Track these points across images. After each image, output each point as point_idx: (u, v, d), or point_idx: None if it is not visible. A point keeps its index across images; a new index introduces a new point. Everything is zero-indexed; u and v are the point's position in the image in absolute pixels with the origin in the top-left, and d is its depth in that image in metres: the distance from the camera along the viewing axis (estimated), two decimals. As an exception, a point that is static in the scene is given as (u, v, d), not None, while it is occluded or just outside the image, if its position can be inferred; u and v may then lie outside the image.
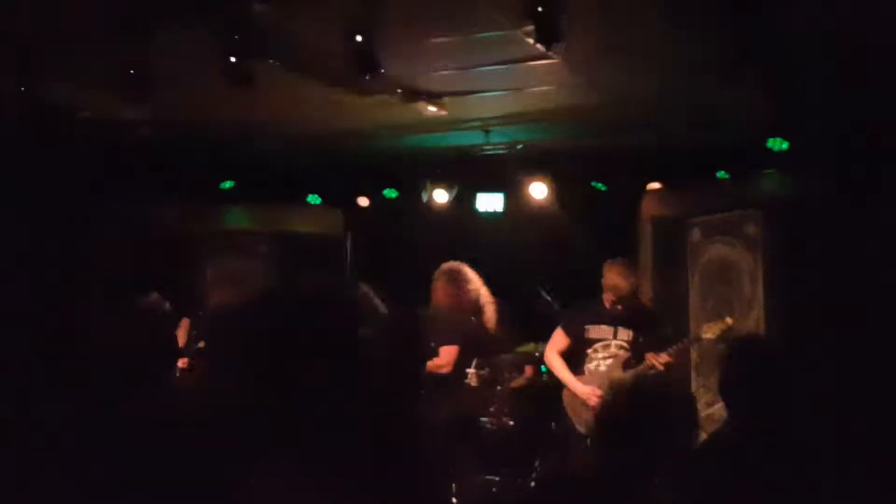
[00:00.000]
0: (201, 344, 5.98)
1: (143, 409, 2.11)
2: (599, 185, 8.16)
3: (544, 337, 6.39)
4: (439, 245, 7.38)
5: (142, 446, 1.89)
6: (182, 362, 6.12)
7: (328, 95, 6.19)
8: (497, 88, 6.24)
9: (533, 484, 6.37)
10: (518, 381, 6.88)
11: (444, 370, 5.87)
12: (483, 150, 7.96)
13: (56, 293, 6.87)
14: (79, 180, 7.49)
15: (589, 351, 5.99)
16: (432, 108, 6.43)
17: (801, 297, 6.40)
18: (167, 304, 5.26)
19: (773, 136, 6.79)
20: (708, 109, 6.34)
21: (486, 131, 7.48)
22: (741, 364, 3.03)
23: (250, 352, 1.67)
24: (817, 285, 6.24)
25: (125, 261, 8.07)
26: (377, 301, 5.32)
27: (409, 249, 8.10)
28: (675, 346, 5.88)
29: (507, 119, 7.10)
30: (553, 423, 6.46)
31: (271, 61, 5.34)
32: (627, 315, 5.95)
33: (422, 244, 8.00)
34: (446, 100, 6.40)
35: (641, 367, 5.76)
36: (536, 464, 6.44)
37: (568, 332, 6.10)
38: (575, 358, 6.07)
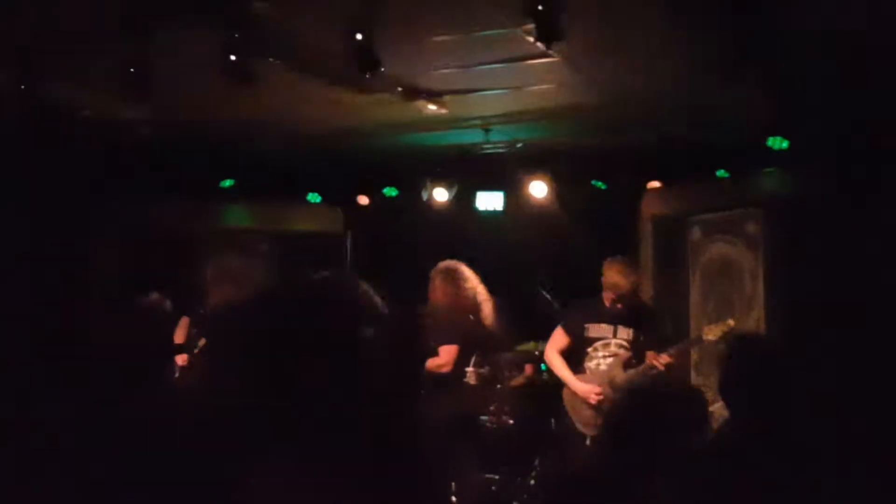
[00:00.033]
0: (202, 342, 5.98)
1: (143, 408, 2.11)
2: (600, 184, 8.16)
3: (544, 336, 6.38)
4: (439, 244, 7.38)
5: (141, 445, 1.89)
6: (182, 360, 6.12)
7: (328, 94, 6.19)
8: (497, 87, 6.24)
9: (533, 482, 6.38)
10: (518, 380, 6.88)
11: (445, 370, 5.87)
12: (483, 148, 7.96)
13: (56, 293, 6.87)
14: (79, 180, 7.49)
15: (589, 350, 5.99)
16: (432, 107, 6.43)
17: (801, 296, 6.40)
18: (168, 304, 5.26)
19: (774, 134, 6.78)
20: (708, 108, 6.34)
21: (487, 130, 7.47)
22: (741, 364, 3.03)
23: (250, 351, 1.67)
24: (818, 284, 6.24)
25: (125, 260, 8.07)
26: (377, 299, 5.30)
27: (409, 248, 8.09)
28: (676, 347, 5.87)
29: (508, 118, 7.10)
30: (553, 422, 6.46)
31: (271, 60, 5.34)
32: (627, 314, 5.95)
33: (422, 243, 7.99)
34: (446, 98, 6.40)
35: (642, 367, 5.76)
36: (536, 462, 6.44)
37: (568, 330, 6.10)
38: (575, 357, 6.06)
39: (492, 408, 6.54)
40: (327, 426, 1.57)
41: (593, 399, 5.82)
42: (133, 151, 7.55)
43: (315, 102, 6.50)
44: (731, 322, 5.86)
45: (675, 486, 2.43)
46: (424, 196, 8.24)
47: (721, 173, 7.39)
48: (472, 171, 8.26)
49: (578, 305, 6.24)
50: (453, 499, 5.72)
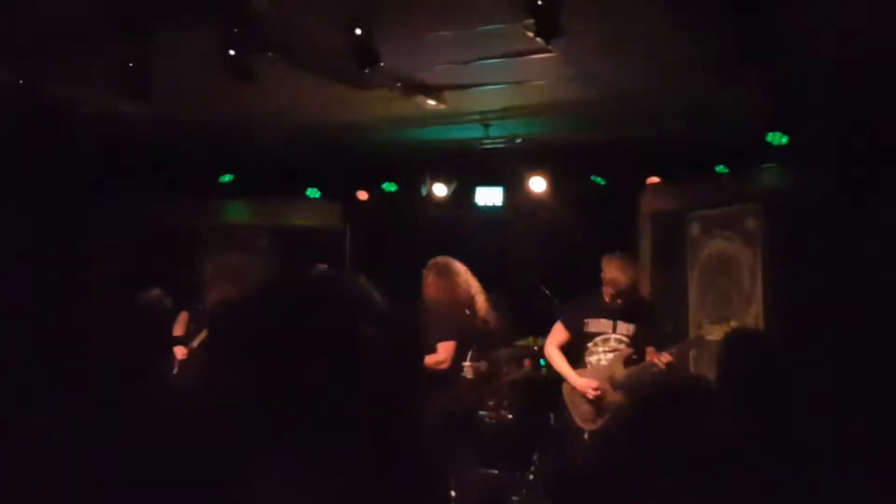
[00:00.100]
0: (203, 335, 5.99)
1: (142, 407, 2.10)
2: (599, 180, 8.16)
3: (543, 331, 6.38)
4: (438, 239, 7.37)
5: (141, 444, 1.88)
6: (181, 354, 6.13)
7: (328, 89, 6.19)
8: (496, 82, 6.23)
9: (531, 477, 6.39)
10: (517, 375, 6.88)
11: (443, 366, 5.86)
12: (482, 143, 7.95)
13: (56, 293, 6.87)
14: (79, 178, 7.49)
15: (589, 345, 5.99)
16: (432, 102, 6.43)
17: (800, 292, 6.40)
18: (168, 300, 5.27)
19: (773, 130, 6.78)
20: (707, 104, 6.34)
21: (486, 125, 7.47)
22: (740, 361, 3.03)
23: (248, 348, 1.66)
24: (817, 280, 6.24)
25: (125, 258, 8.07)
26: (377, 295, 5.29)
27: (408, 243, 8.09)
28: (677, 346, 5.87)
29: (507, 113, 7.10)
30: (552, 417, 6.47)
31: (271, 55, 5.33)
32: (627, 309, 5.94)
33: (421, 238, 7.99)
34: (446, 94, 6.40)
35: (643, 364, 5.76)
36: (535, 457, 6.45)
37: (567, 325, 6.10)
38: (574, 352, 6.06)
39: (491, 403, 6.55)
40: (327, 424, 1.57)
41: (591, 394, 5.82)
42: (133, 149, 7.55)
43: (314, 98, 6.49)
44: (733, 324, 5.86)
45: (673, 484, 2.43)
46: (424, 191, 8.23)
47: (720, 169, 7.39)
48: (471, 166, 8.26)
49: (578, 300, 6.23)
50: (452, 494, 5.73)
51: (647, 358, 5.76)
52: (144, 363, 2.35)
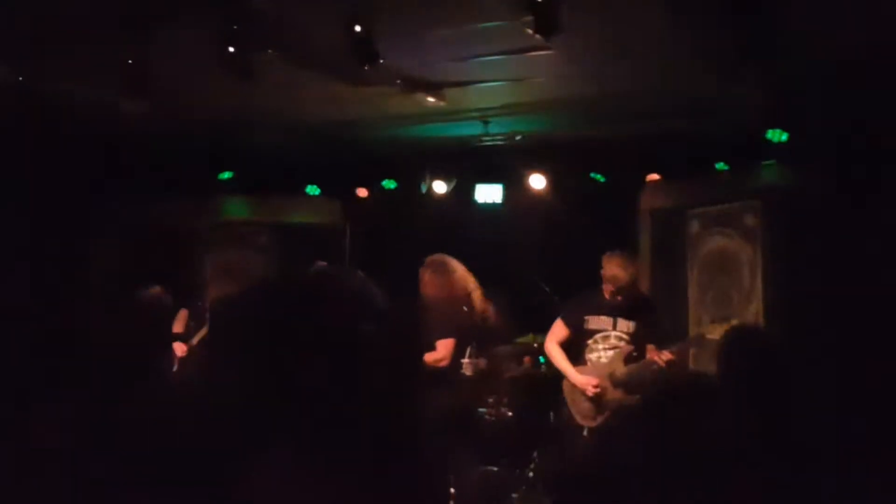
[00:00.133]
0: (203, 333, 5.99)
1: (142, 406, 2.11)
2: (598, 177, 8.16)
3: (543, 328, 6.38)
4: (438, 236, 7.37)
5: (140, 444, 1.89)
6: (181, 351, 6.13)
7: (327, 86, 6.18)
8: (496, 79, 6.23)
9: (531, 475, 6.39)
10: (517, 372, 6.88)
11: (443, 364, 5.86)
12: (482, 141, 7.95)
13: (56, 293, 6.86)
14: (78, 177, 7.48)
15: (589, 342, 5.99)
16: (431, 99, 6.42)
17: (800, 289, 6.39)
18: (168, 298, 5.26)
19: (773, 128, 6.78)
20: (707, 101, 6.33)
21: (485, 122, 7.46)
22: (739, 358, 3.03)
23: (248, 346, 1.66)
24: (816, 277, 6.24)
25: (125, 257, 8.07)
26: (377, 293, 5.29)
27: (407, 240, 8.09)
28: (678, 345, 5.87)
29: (507, 110, 7.09)
30: (551, 414, 6.47)
31: (270, 52, 5.33)
32: (627, 306, 5.95)
33: (420, 235, 7.99)
34: (445, 91, 6.39)
35: (643, 362, 5.76)
36: (535, 455, 6.45)
37: (567, 322, 6.10)
38: (574, 349, 6.06)
39: (490, 400, 6.55)
40: (326, 422, 1.57)
41: (590, 391, 5.83)
42: (132, 147, 7.54)
43: (314, 95, 6.48)
44: (733, 322, 5.86)
45: (672, 482, 2.43)
46: (423, 188, 8.23)
47: (720, 166, 7.39)
48: (471, 163, 8.25)
49: (578, 298, 6.23)
50: (452, 491, 5.73)
51: (648, 355, 5.76)
52: (144, 362, 2.35)
